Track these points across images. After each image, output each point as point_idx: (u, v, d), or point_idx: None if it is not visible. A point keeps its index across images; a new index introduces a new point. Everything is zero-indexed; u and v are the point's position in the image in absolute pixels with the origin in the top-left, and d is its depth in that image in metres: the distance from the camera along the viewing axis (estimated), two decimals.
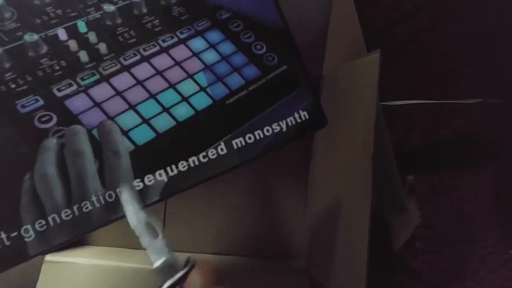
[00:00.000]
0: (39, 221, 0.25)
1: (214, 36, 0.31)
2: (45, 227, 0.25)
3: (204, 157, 0.28)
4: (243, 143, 0.29)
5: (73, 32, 0.28)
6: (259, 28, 0.32)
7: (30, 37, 0.27)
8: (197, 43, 0.31)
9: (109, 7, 0.29)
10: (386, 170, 0.43)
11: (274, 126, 0.30)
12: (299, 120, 0.31)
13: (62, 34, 0.28)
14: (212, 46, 0.31)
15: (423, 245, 0.69)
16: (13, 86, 0.26)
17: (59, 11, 0.28)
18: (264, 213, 0.47)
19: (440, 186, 0.73)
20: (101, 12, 0.29)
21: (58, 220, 0.25)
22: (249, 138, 0.30)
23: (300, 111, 0.31)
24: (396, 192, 0.45)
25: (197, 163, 0.28)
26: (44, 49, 0.27)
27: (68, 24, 0.28)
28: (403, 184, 0.69)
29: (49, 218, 0.25)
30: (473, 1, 0.78)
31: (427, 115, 0.76)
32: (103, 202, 0.25)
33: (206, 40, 0.31)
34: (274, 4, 0.33)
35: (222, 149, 0.28)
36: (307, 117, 0.31)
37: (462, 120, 0.76)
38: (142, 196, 0.26)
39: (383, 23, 0.77)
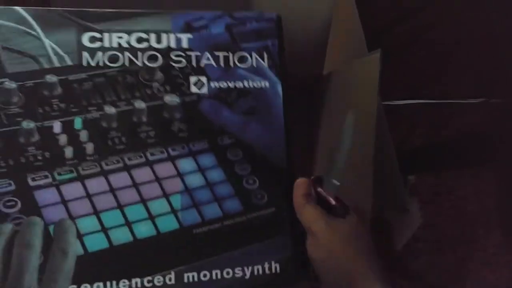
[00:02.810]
0: None
1: (207, 160, 0.30)
2: None
3: (149, 281, 0.26)
4: (196, 279, 0.26)
5: (68, 127, 0.28)
6: (258, 161, 0.31)
7: (27, 124, 0.28)
8: (186, 164, 0.29)
9: (110, 109, 0.29)
10: (387, 170, 0.43)
11: (237, 270, 0.27)
12: (267, 272, 0.28)
13: (57, 127, 0.28)
14: (201, 170, 0.29)
15: (424, 245, 0.69)
16: None
17: (62, 105, 0.29)
18: None
19: (442, 186, 0.72)
20: (101, 112, 0.29)
21: None
22: (204, 275, 0.27)
23: (273, 262, 0.28)
24: (397, 192, 0.45)
25: (139, 286, 0.26)
26: (35, 138, 0.28)
27: (66, 118, 0.29)
28: (405, 184, 0.69)
29: None
30: (473, 1, 0.78)
31: (429, 115, 0.76)
32: None
33: (196, 162, 0.30)
34: (283, 138, 0.31)
35: (170, 279, 0.26)
36: (277, 270, 0.28)
37: (464, 120, 0.76)
38: None
39: (384, 23, 0.77)
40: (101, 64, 0.29)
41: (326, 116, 0.43)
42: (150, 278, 0.26)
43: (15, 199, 0.26)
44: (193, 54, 0.31)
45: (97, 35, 0.29)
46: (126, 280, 0.26)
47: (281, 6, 0.45)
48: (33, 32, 0.29)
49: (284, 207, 0.30)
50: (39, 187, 0.27)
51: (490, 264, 0.69)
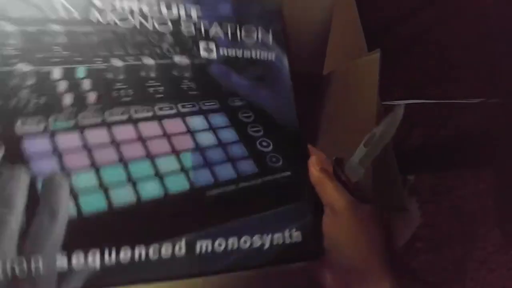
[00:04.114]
0: None
1: (218, 119, 0.28)
2: None
3: (155, 252, 0.22)
4: (209, 249, 0.23)
5: (69, 74, 0.25)
6: (271, 124, 0.29)
7: (23, 66, 0.25)
8: (197, 121, 0.27)
9: (117, 62, 0.27)
10: (386, 169, 0.43)
11: (255, 238, 0.25)
12: (287, 241, 0.25)
13: (56, 72, 0.25)
14: (212, 128, 0.27)
15: (423, 244, 0.69)
16: None
17: (65, 53, 0.26)
18: None
19: (441, 186, 0.73)
20: (107, 64, 0.27)
21: None
22: (219, 244, 0.24)
23: (293, 230, 0.26)
24: (396, 191, 0.45)
25: (143, 257, 0.22)
26: (31, 81, 0.24)
27: (68, 66, 0.26)
28: (404, 184, 0.69)
29: None
30: (473, 2, 0.78)
31: (428, 115, 0.76)
32: (8, 272, 0.20)
33: (207, 121, 0.28)
34: (293, 104, 0.31)
35: (180, 249, 0.23)
36: (299, 239, 0.26)
37: (463, 120, 0.76)
38: (60, 278, 0.20)
39: (384, 23, 0.77)
40: (110, 22, 0.28)
41: (326, 116, 0.43)
42: (156, 246, 0.22)
43: None
44: (202, 23, 0.31)
45: None
46: (128, 248, 0.22)
47: (280, 6, 0.46)
48: None
49: (300, 171, 0.28)
50: (30, 133, 0.23)
51: (489, 263, 0.69)
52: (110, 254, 0.21)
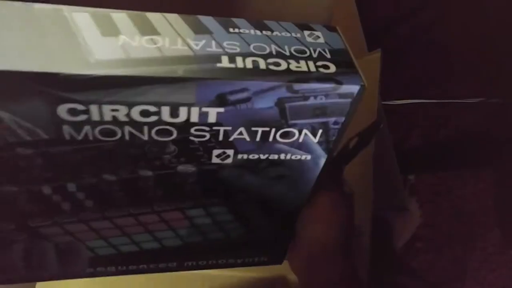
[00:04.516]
0: None
1: (218, 209, 0.28)
2: None
3: (153, 265, 0.32)
4: (194, 265, 0.32)
5: (60, 190, 0.24)
6: (269, 213, 0.29)
7: (9, 188, 0.23)
8: (195, 212, 0.28)
9: (110, 177, 0.24)
10: (387, 169, 0.43)
11: (230, 260, 0.32)
12: (256, 261, 0.33)
13: (47, 189, 0.23)
14: (210, 215, 0.28)
15: (423, 244, 0.69)
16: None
17: (48, 174, 0.23)
18: None
19: (441, 186, 0.73)
20: (99, 179, 0.24)
21: None
22: (202, 263, 0.32)
23: (262, 257, 0.33)
24: (397, 191, 0.45)
25: (145, 268, 0.32)
26: (22, 199, 0.24)
27: (56, 184, 0.23)
28: (404, 184, 0.69)
29: None
30: (473, 1, 0.78)
31: (428, 115, 0.76)
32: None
33: (206, 211, 0.28)
34: (308, 196, 0.28)
35: (173, 265, 0.32)
36: (265, 260, 0.33)
37: (463, 120, 0.76)
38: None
39: (384, 23, 0.77)
40: (90, 138, 0.21)
41: None
42: (156, 264, 0.31)
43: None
44: (221, 129, 0.23)
45: (80, 107, 0.20)
46: (134, 266, 0.31)
47: (280, 7, 0.46)
48: None
49: (286, 234, 0.31)
50: (40, 226, 0.26)
51: (489, 263, 0.69)
52: (122, 268, 0.31)
